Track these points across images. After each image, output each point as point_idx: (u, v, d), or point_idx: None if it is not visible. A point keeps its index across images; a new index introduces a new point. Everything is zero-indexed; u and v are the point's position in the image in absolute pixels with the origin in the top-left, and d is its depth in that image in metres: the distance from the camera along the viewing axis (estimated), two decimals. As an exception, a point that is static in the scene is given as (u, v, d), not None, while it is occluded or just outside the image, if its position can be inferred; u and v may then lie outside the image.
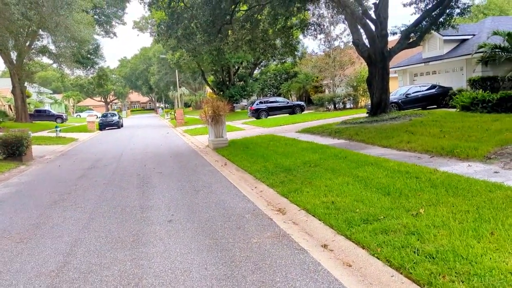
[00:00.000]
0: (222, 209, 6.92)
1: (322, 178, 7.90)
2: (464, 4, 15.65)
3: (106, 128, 37.71)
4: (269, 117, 32.11)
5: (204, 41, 19.49)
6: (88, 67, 43.17)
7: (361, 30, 17.21)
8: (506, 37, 17.61)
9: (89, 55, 41.64)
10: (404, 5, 16.98)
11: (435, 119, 13.66)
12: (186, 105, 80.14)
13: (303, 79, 40.37)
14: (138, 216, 6.89)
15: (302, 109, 33.39)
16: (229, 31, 21.29)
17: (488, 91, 16.56)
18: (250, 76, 47.93)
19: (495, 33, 18.24)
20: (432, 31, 17.38)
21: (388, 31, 16.85)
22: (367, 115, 20.84)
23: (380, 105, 16.80)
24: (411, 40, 17.00)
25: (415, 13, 16.95)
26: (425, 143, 10.39)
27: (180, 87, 58.07)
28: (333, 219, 5.53)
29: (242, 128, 25.06)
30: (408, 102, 20.79)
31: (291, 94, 44.49)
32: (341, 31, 32.35)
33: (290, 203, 6.83)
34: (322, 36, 30.08)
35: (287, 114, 32.72)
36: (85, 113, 72.82)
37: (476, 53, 19.44)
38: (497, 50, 18.39)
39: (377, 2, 16.19)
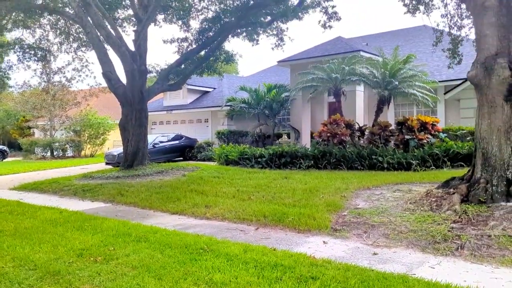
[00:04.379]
0: None
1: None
2: (228, 52, 14.83)
3: None
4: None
5: None
6: None
7: (114, 62, 13.79)
8: (254, 93, 17.97)
9: None
10: (165, 42, 14.77)
11: (214, 175, 11.58)
12: None
13: (3, 117, 31.84)
14: None
15: (4, 155, 25.56)
16: None
17: (235, 144, 16.14)
18: None
19: (242, 89, 18.45)
20: (196, 75, 15.79)
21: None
22: (109, 166, 17.11)
23: (137, 155, 13.55)
24: (170, 82, 14.81)
25: (177, 53, 14.97)
26: (233, 208, 8.03)
27: None
28: None
29: None
30: (156, 153, 18.22)
31: (-18, 136, 34.39)
32: (64, 63, 27.22)
33: None
34: (39, 66, 24.25)
35: (-20, 161, 24.28)
36: None
37: (225, 106, 19.17)
38: (244, 105, 18.56)
39: (139, 29, 13.30)
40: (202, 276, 4.51)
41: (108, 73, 13.52)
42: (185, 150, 19.52)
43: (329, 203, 7.78)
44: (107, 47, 14.55)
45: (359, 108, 16.64)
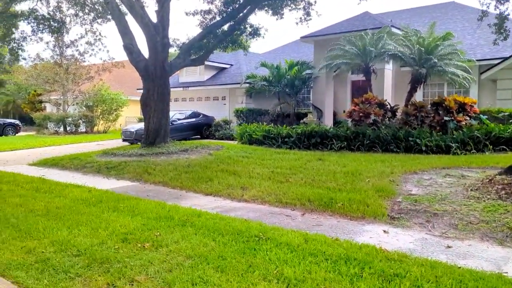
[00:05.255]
0: None
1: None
2: (253, 25, 14.06)
3: None
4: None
5: None
6: None
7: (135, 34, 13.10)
8: (275, 70, 17.25)
9: None
10: (187, 14, 14.04)
11: (242, 155, 11.05)
12: None
13: (15, 90, 31.32)
14: None
15: (17, 129, 25.15)
16: None
17: (257, 123, 15.57)
18: None
19: (263, 65, 17.71)
20: (218, 50, 15.11)
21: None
22: (125, 143, 16.66)
23: (159, 132, 13.02)
24: (192, 56, 14.14)
25: (199, 26, 14.24)
26: (272, 191, 7.55)
27: None
28: None
29: None
30: (173, 131, 17.64)
31: (-8, 109, 33.99)
32: (77, 36, 26.39)
33: None
34: (52, 39, 23.58)
35: (-6, 136, 23.89)
36: None
37: (245, 83, 18.49)
38: (264, 83, 17.87)
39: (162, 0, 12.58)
40: (270, 269, 4.01)
41: (130, 45, 12.87)
42: (202, 128, 18.97)
43: (378, 188, 7.24)
44: (127, 18, 13.86)
45: (387, 87, 15.92)
